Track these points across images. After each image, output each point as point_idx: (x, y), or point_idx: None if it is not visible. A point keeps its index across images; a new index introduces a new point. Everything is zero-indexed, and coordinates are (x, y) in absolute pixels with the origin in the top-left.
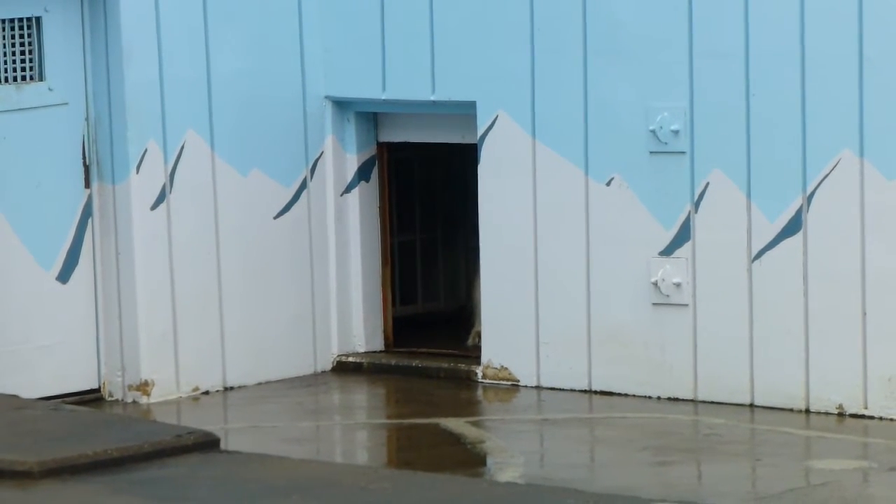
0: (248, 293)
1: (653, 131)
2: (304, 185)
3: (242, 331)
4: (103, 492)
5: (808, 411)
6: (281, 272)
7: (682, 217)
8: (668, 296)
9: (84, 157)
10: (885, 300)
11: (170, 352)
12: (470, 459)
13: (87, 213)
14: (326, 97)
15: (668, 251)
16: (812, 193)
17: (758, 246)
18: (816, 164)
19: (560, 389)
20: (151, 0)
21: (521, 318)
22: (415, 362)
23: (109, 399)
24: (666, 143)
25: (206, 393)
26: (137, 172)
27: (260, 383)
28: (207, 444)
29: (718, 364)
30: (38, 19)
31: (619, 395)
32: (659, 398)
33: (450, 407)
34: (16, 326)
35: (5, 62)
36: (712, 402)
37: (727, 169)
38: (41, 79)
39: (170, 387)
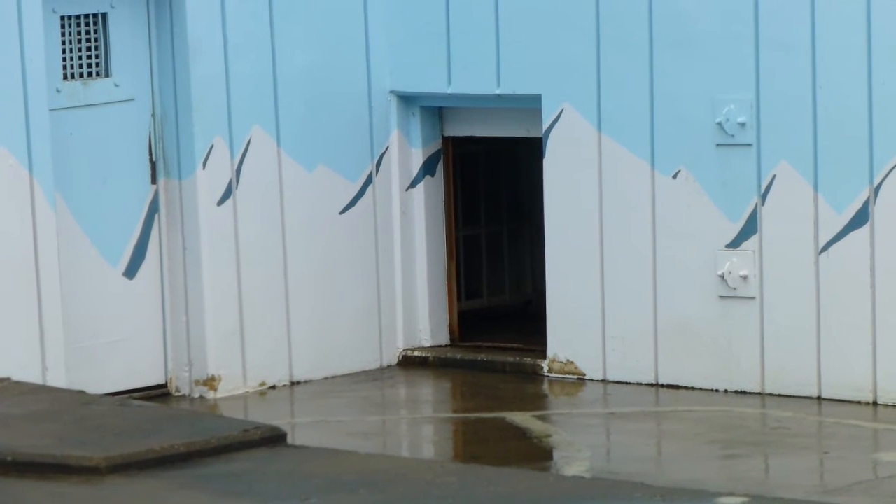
0: (314, 288)
1: (719, 124)
2: (369, 180)
3: (309, 325)
4: (170, 487)
5: (875, 404)
6: (347, 267)
7: (749, 209)
8: (734, 289)
9: (150, 153)
10: None
11: (236, 347)
12: (536, 453)
13: (153, 208)
14: (392, 92)
15: (734, 244)
16: (879, 185)
17: (825, 238)
18: (883, 156)
19: (626, 383)
20: None
21: (587, 312)
22: (480, 356)
23: (176, 394)
24: (732, 136)
25: (273, 388)
26: (204, 168)
27: (326, 378)
28: (274, 438)
29: (786, 357)
30: (104, 15)
31: (686, 388)
32: (726, 391)
33: (516, 401)
34: (83, 322)
35: (72, 58)
36: (779, 395)
37: (794, 161)
38: (107, 75)
39: (236, 382)
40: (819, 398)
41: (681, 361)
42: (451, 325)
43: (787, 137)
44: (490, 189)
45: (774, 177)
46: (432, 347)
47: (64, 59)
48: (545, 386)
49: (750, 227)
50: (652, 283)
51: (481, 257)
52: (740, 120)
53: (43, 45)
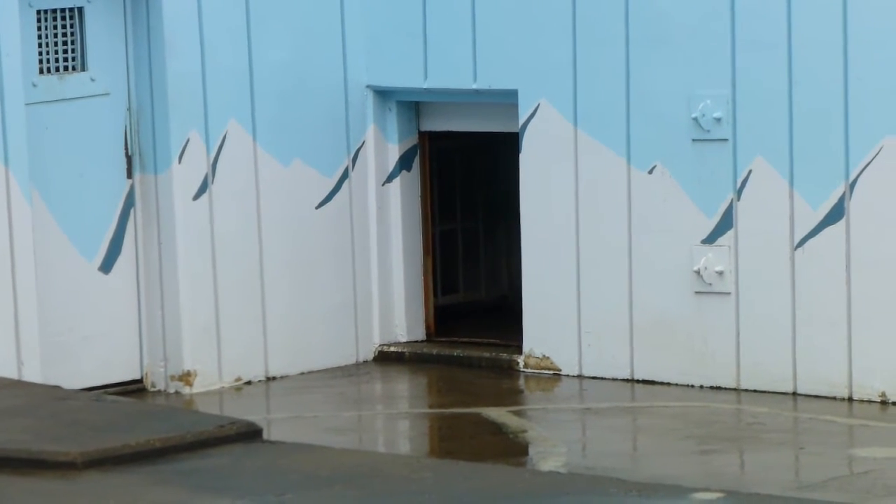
0: (290, 283)
1: (695, 119)
2: (345, 175)
3: (284, 321)
4: (146, 482)
5: (850, 399)
6: (323, 262)
7: (725, 205)
8: (710, 284)
9: (126, 148)
10: None
11: (212, 342)
12: (512, 449)
13: (129, 203)
14: (368, 86)
15: (710, 239)
16: (854, 181)
17: (800, 234)
18: (859, 152)
19: (602, 378)
20: None
21: (563, 307)
22: (456, 352)
23: (152, 389)
24: (708, 131)
25: (249, 383)
26: (179, 163)
27: (302, 373)
28: (250, 434)
29: (761, 352)
30: (80, 9)
31: (662, 384)
32: (701, 387)
33: (491, 396)
34: (58, 317)
35: (48, 52)
36: (755, 391)
37: (770, 156)
38: (84, 69)
39: (212, 377)
40: (794, 394)
41: (656, 357)
42: (427, 321)
43: (762, 133)
44: (466, 184)
45: (750, 172)
46: (408, 343)
47: (40, 54)
48: (521, 381)
49: (725, 223)
50: (628, 279)
51: (457, 253)
52: (716, 115)
53: (19, 39)
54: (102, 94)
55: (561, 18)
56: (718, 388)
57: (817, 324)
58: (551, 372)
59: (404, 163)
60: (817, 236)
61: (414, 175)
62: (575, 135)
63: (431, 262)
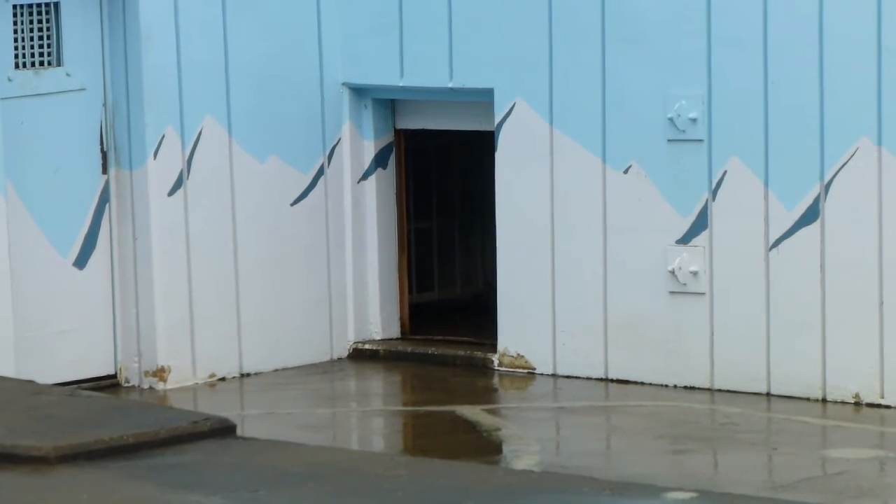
0: (264, 279)
1: (670, 119)
2: (321, 172)
3: (259, 317)
4: (119, 477)
5: (824, 400)
6: (298, 259)
7: (700, 205)
8: (684, 284)
9: (101, 143)
10: None
11: (186, 338)
12: (486, 447)
13: (104, 198)
14: (344, 84)
15: (685, 239)
16: (830, 182)
17: (775, 234)
18: (834, 153)
19: (576, 377)
20: None
21: (538, 306)
22: (431, 350)
23: (126, 385)
24: (683, 131)
25: (223, 379)
26: (155, 158)
27: (276, 370)
28: (224, 430)
29: (735, 353)
30: (56, 4)
31: (636, 383)
32: (675, 387)
33: (466, 394)
34: (33, 312)
35: (24, 47)
36: (729, 391)
37: (745, 157)
38: (59, 64)
39: (186, 373)
40: (768, 394)
41: (630, 356)
42: (401, 319)
43: (738, 133)
44: (442, 182)
45: (725, 173)
46: (383, 340)
47: (16, 48)
48: (495, 380)
49: (700, 223)
50: (602, 278)
51: (432, 251)
52: (692, 116)
53: None
54: (78, 90)
55: (537, 18)
56: (692, 387)
57: (791, 324)
58: (525, 370)
59: (380, 160)
60: (792, 237)
61: (389, 173)
62: (550, 134)
63: (406, 259)
